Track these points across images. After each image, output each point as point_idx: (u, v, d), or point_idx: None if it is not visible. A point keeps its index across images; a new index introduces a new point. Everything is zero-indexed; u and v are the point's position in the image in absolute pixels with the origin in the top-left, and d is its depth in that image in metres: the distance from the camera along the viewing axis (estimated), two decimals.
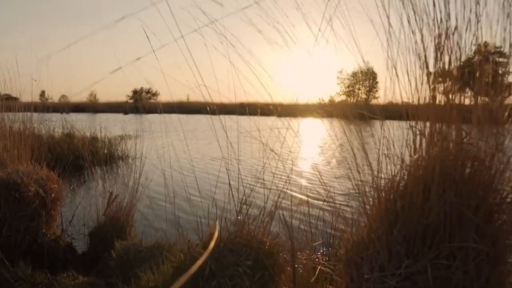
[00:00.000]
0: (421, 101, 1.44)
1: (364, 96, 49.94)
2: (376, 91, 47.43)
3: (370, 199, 1.72)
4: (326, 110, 2.40)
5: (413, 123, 1.55)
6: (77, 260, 3.50)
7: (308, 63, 1.88)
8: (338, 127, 2.06)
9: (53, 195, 3.50)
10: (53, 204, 3.53)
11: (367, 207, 1.70)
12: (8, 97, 4.47)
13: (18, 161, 3.80)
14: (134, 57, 1.82)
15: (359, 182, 1.76)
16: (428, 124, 1.45)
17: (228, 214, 2.17)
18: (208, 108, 2.41)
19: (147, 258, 2.75)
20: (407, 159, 1.56)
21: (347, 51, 1.55)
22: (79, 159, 5.77)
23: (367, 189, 1.77)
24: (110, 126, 11.37)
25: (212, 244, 0.98)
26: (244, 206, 1.92)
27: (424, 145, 1.44)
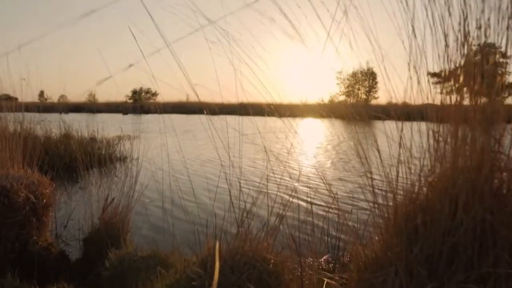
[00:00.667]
0: (446, 102, 1.29)
1: (363, 96, 49.90)
2: (376, 91, 47.42)
3: (384, 209, 1.57)
4: (326, 110, 2.26)
5: (434, 127, 1.39)
6: (69, 269, 3.35)
7: (313, 61, 1.73)
8: (347, 130, 1.91)
9: (44, 200, 3.34)
10: (45, 210, 3.37)
11: (381, 220, 1.55)
12: (7, 97, 4.33)
13: (10, 164, 3.64)
14: (138, 58, 1.68)
15: (372, 191, 1.61)
16: (451, 128, 1.29)
17: (228, 225, 2.02)
18: (204, 111, 2.27)
19: (142, 269, 2.60)
20: (426, 165, 1.41)
21: (362, 46, 1.39)
22: (76, 160, 5.62)
23: (380, 199, 1.62)
24: (107, 127, 11.21)
25: (216, 276, 0.82)
26: (246, 219, 1.76)
27: (447, 153, 1.29)
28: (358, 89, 50.28)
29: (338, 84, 48.03)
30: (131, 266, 2.66)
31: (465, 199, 1.17)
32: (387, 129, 1.72)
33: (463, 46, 1.21)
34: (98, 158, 5.65)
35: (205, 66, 2.30)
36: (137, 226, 4.01)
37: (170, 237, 2.88)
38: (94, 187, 4.42)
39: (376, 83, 47.10)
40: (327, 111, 2.23)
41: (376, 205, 1.62)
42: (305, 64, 1.78)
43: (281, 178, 2.05)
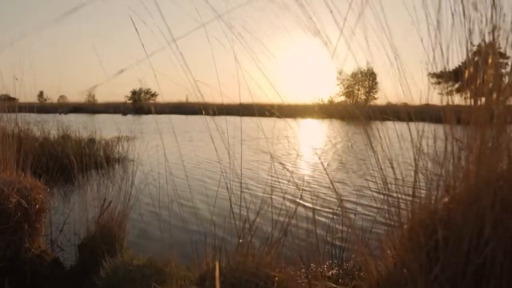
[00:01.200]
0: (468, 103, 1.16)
1: (363, 96, 49.86)
2: (376, 91, 47.30)
3: (398, 220, 1.45)
4: (334, 111, 2.16)
5: (452, 130, 1.27)
6: (63, 277, 3.22)
7: (326, 59, 1.61)
8: (360, 133, 1.79)
9: (37, 206, 3.22)
10: (38, 215, 3.24)
11: (395, 231, 1.42)
12: (6, 98, 4.22)
13: (2, 167, 3.52)
14: (134, 59, 1.59)
15: (387, 199, 1.48)
16: (475, 133, 1.16)
17: (228, 234, 1.89)
18: (203, 112, 2.16)
19: (137, 278, 2.48)
20: (447, 172, 1.28)
21: (373, 44, 1.27)
22: (73, 162, 5.52)
23: (392, 208, 1.50)
24: (106, 127, 11.09)
25: None
26: (248, 230, 1.64)
27: (471, 160, 1.16)
28: (358, 90, 50.24)
29: (338, 84, 48.07)
30: (126, 276, 2.54)
31: (493, 213, 1.05)
32: (397, 130, 1.61)
33: (492, 44, 1.09)
34: (95, 160, 5.54)
35: (208, 64, 2.18)
36: (134, 231, 3.89)
37: (166, 244, 2.76)
38: (90, 190, 4.30)
39: (376, 83, 46.98)
40: (334, 111, 2.12)
41: (389, 215, 1.50)
42: (312, 63, 1.66)
43: (287, 186, 1.93)
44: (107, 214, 3.56)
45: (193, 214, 2.56)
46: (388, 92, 1.59)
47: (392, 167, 1.54)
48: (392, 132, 1.64)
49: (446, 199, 1.19)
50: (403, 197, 1.48)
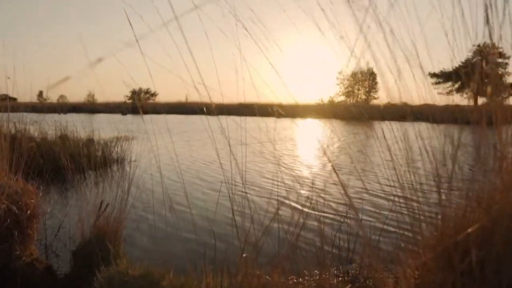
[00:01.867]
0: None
1: (363, 96, 49.79)
2: (376, 91, 47.20)
3: (420, 235, 1.30)
4: (329, 111, 2.02)
5: (488, 138, 1.12)
6: (56, 285, 3.08)
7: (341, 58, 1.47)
8: (365, 133, 1.64)
9: (29, 211, 3.06)
10: (29, 221, 3.09)
11: (417, 249, 1.27)
12: (6, 98, 4.09)
13: None
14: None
15: (409, 211, 1.34)
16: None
17: (231, 247, 1.75)
18: (204, 109, 2.02)
19: None
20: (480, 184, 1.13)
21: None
22: (71, 163, 5.37)
23: (413, 221, 1.35)
24: (104, 127, 10.94)
25: None
26: (253, 244, 1.49)
27: (509, 171, 1.01)
28: (358, 89, 50.17)
29: (338, 84, 48.12)
30: (121, 287, 2.40)
31: None
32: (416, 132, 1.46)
33: None
34: (92, 160, 5.39)
35: (208, 58, 2.04)
36: (130, 237, 3.74)
37: (164, 252, 2.62)
38: (87, 192, 4.15)
39: (376, 83, 46.90)
40: (337, 111, 1.98)
41: (411, 228, 1.35)
42: (318, 60, 1.52)
43: (293, 191, 1.79)
44: (103, 218, 3.43)
45: (190, 221, 2.41)
46: (406, 91, 1.45)
47: (412, 172, 1.40)
48: (410, 134, 1.49)
49: (480, 215, 1.05)
50: (425, 207, 1.33)
